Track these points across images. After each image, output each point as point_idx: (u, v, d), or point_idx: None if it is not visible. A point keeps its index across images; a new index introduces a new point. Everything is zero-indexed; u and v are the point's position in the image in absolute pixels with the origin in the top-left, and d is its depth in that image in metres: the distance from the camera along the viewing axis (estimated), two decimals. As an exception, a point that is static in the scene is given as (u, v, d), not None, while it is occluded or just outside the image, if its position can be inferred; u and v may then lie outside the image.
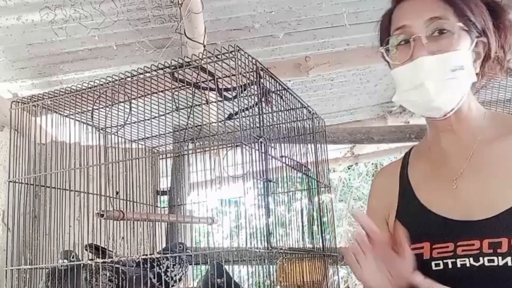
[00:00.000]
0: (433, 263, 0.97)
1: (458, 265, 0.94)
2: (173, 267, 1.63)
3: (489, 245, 0.91)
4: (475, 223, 0.95)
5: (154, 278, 1.58)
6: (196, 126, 1.58)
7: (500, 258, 0.90)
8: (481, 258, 0.92)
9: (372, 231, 0.96)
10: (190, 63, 1.36)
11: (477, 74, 1.01)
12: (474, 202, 0.97)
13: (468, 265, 0.93)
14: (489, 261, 0.91)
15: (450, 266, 0.95)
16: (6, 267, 1.49)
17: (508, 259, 0.89)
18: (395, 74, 1.03)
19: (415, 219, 1.04)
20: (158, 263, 1.59)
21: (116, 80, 1.44)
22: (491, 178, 0.97)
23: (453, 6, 0.98)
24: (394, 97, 1.05)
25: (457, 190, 1.00)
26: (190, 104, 1.48)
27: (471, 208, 0.97)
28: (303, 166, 1.61)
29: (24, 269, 1.47)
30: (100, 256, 1.42)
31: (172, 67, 1.38)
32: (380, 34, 1.09)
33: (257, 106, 1.36)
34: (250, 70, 1.33)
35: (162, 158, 2.05)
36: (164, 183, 2.17)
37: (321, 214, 1.65)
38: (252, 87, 1.37)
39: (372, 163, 8.32)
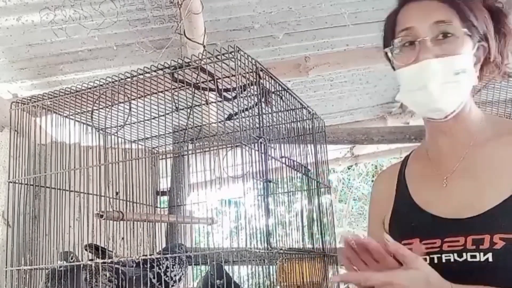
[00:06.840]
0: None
1: (443, 260, 0.97)
2: (172, 267, 1.63)
3: (473, 241, 0.94)
4: (462, 221, 0.98)
5: (154, 278, 1.58)
6: (196, 127, 1.58)
7: (481, 254, 0.93)
8: (464, 254, 0.95)
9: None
10: (190, 63, 1.35)
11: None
12: (462, 201, 1.00)
13: (452, 260, 0.96)
14: (471, 256, 0.94)
15: (435, 261, 0.98)
16: (6, 267, 1.49)
17: (489, 255, 0.92)
18: (399, 75, 1.05)
19: (407, 217, 1.07)
20: (158, 263, 1.59)
21: (116, 80, 1.44)
22: (480, 178, 1.01)
23: (458, 10, 1.00)
24: (397, 96, 1.07)
25: (447, 189, 1.04)
26: (190, 104, 1.47)
27: (459, 207, 1.00)
28: (303, 167, 1.61)
29: (24, 269, 1.47)
30: (100, 256, 1.42)
31: (172, 68, 1.38)
32: (385, 34, 1.10)
33: (257, 106, 1.36)
34: (250, 70, 1.33)
35: (162, 159, 2.04)
36: (164, 184, 2.16)
37: (321, 214, 1.65)
38: (252, 87, 1.37)
39: (372, 164, 8.34)
